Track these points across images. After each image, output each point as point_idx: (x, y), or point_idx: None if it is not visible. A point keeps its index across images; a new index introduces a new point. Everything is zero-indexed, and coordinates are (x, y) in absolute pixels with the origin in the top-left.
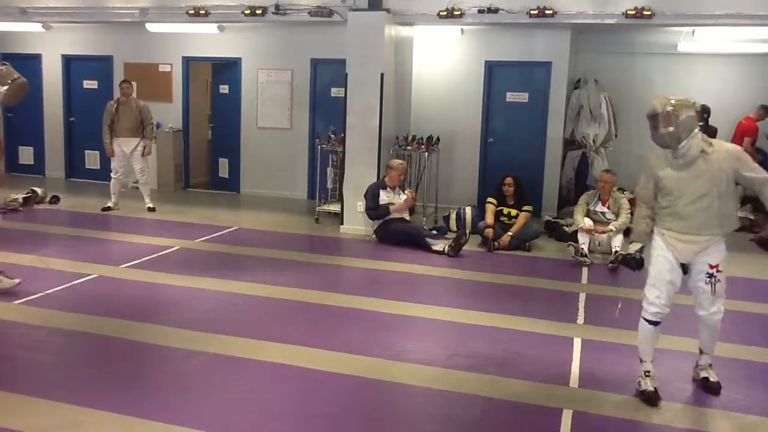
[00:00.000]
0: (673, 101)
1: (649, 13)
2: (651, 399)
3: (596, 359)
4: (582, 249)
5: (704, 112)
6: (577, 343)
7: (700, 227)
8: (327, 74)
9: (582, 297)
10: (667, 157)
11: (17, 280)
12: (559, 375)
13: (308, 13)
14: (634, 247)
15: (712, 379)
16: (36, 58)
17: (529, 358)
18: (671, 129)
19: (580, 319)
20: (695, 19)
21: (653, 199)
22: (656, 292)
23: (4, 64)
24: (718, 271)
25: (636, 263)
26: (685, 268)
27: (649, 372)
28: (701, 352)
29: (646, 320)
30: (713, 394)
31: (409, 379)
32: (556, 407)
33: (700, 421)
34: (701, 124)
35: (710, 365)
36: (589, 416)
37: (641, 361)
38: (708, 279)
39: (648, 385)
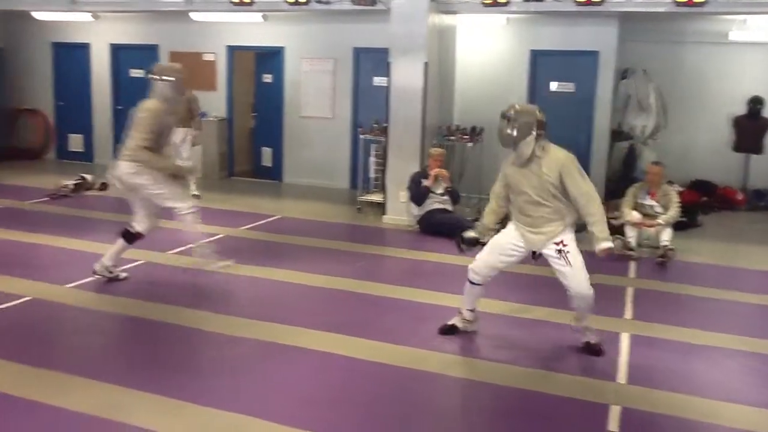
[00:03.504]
0: (516, 108)
1: (701, 0)
2: (444, 329)
3: (644, 355)
4: (629, 242)
5: (757, 102)
6: (625, 339)
7: (542, 222)
8: (370, 63)
9: (629, 291)
10: (513, 159)
11: (229, 262)
12: (606, 370)
13: (351, 1)
14: (471, 234)
15: (593, 342)
16: (85, 47)
17: (575, 352)
18: (509, 131)
19: (628, 314)
20: (748, 7)
21: (502, 195)
22: (477, 257)
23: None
24: (563, 244)
25: (464, 242)
26: (534, 255)
27: (463, 314)
28: (577, 318)
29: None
30: (595, 355)
31: (451, 371)
32: (604, 403)
33: (747, 420)
34: (541, 132)
35: (588, 329)
36: (637, 412)
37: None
38: (558, 255)
39: (455, 321)
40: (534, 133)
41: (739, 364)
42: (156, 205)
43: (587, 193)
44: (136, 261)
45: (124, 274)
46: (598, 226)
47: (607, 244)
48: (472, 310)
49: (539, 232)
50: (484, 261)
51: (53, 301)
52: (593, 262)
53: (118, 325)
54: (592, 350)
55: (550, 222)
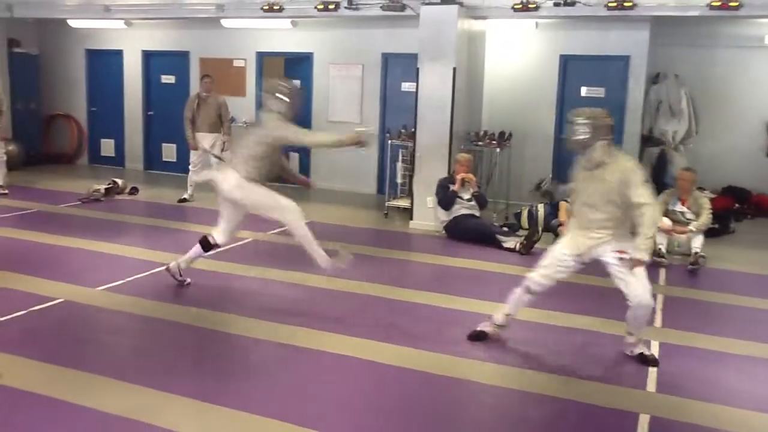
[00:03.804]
0: (587, 112)
1: (736, 4)
2: (473, 335)
3: (674, 363)
4: (660, 249)
5: None
6: (654, 346)
7: (593, 227)
8: (398, 69)
9: (659, 299)
10: (583, 163)
11: (350, 256)
12: (635, 378)
13: (381, 7)
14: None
15: (647, 353)
16: (118, 54)
17: (603, 359)
18: (580, 136)
19: (658, 322)
20: None
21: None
22: (538, 267)
23: (271, 82)
24: (624, 252)
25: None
26: (584, 260)
27: (494, 319)
28: (629, 333)
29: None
30: (652, 366)
31: (478, 377)
32: (633, 411)
33: None
34: (610, 137)
35: (641, 341)
36: (666, 422)
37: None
38: (620, 262)
39: (485, 327)
40: (604, 137)
41: (760, 375)
42: (241, 222)
43: (644, 206)
44: (165, 263)
45: (188, 280)
46: (641, 239)
47: (642, 256)
48: (508, 315)
49: (588, 237)
50: (544, 272)
51: (85, 304)
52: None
53: (147, 327)
54: (647, 361)
55: (601, 229)
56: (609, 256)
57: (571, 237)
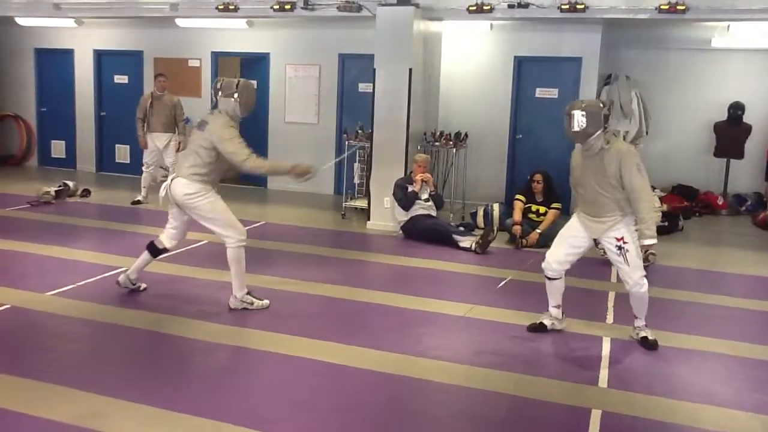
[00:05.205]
0: (583, 104)
1: (683, 7)
2: (531, 326)
3: (626, 359)
4: None
5: (738, 108)
6: (606, 343)
7: (603, 212)
8: (355, 69)
9: (611, 296)
10: (581, 152)
11: (267, 302)
12: (587, 375)
13: (337, 8)
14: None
15: (650, 338)
16: (68, 53)
17: (557, 356)
18: (578, 128)
19: (610, 318)
20: (730, 14)
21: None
22: (552, 252)
23: (220, 80)
24: (624, 242)
25: None
26: (596, 243)
27: (549, 311)
28: (635, 317)
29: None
30: (652, 349)
31: (436, 376)
32: (585, 407)
33: (730, 423)
34: (606, 125)
35: (645, 325)
36: (618, 417)
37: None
38: (618, 251)
39: (543, 318)
40: (603, 126)
41: (721, 367)
42: (188, 226)
43: (638, 190)
44: (119, 267)
45: (144, 285)
46: (644, 224)
47: (649, 241)
48: (557, 307)
49: (599, 221)
50: (553, 255)
51: (33, 309)
52: (580, 266)
53: (97, 332)
54: (648, 346)
55: (609, 212)
56: (610, 241)
57: (581, 221)
